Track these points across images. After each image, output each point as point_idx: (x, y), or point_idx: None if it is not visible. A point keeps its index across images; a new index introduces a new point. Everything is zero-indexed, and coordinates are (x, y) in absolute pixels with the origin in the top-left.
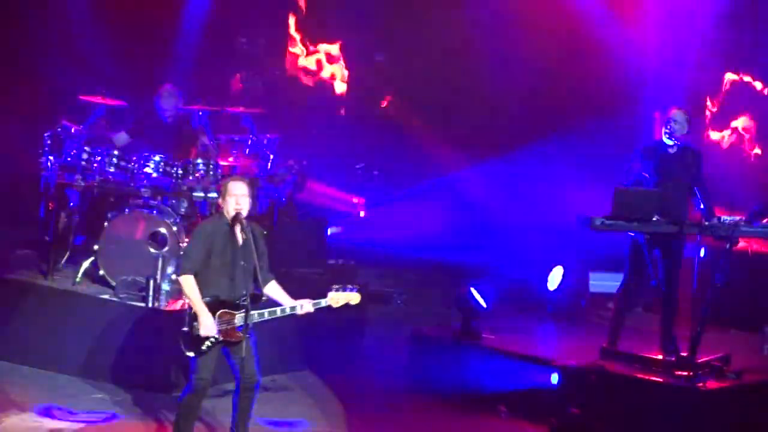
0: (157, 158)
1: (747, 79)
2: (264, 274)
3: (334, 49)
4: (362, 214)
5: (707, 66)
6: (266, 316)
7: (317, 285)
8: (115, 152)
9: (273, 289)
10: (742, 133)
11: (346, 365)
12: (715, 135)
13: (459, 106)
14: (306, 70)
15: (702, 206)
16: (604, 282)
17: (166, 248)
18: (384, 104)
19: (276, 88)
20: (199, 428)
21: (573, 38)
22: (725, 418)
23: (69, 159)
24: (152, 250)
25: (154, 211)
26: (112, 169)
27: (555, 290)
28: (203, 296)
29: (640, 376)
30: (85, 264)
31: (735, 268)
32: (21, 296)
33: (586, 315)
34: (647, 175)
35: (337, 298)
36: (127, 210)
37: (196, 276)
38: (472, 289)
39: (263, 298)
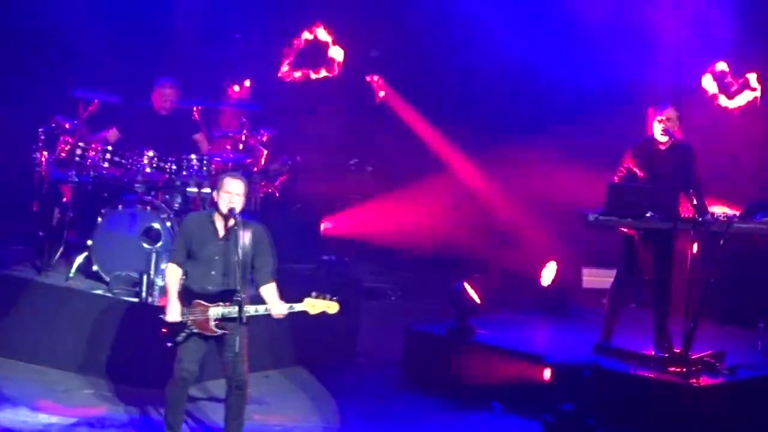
0: (150, 153)
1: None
2: (261, 274)
3: (337, 52)
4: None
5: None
6: (228, 314)
7: (310, 281)
8: (109, 148)
9: (267, 291)
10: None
11: (340, 361)
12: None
13: (452, 101)
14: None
15: (694, 202)
16: (597, 278)
17: (160, 244)
18: (380, 95)
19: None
20: (192, 427)
21: (567, 32)
22: (719, 415)
23: (63, 155)
24: (146, 245)
25: (148, 207)
26: (105, 165)
27: (548, 286)
28: (184, 287)
29: (633, 372)
30: (79, 259)
31: (729, 264)
32: (15, 292)
33: (580, 311)
34: (639, 172)
35: (314, 304)
36: (120, 205)
37: (183, 267)
38: (466, 285)
39: (243, 295)
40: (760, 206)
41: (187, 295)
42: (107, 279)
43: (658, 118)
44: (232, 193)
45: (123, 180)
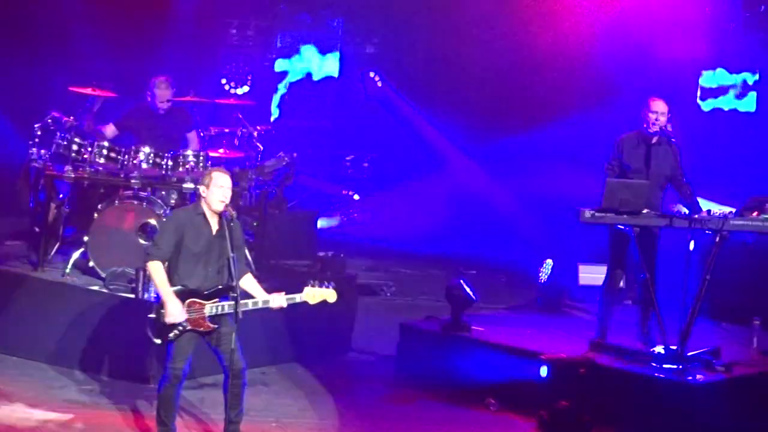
0: (146, 149)
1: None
2: (240, 266)
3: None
4: (356, 197)
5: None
6: (224, 310)
7: (306, 277)
8: (105, 143)
9: (247, 283)
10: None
11: (336, 357)
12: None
13: (449, 98)
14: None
15: (685, 199)
16: (593, 274)
17: None
18: (377, 81)
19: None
20: (188, 421)
21: (562, 28)
22: (715, 411)
23: (59, 150)
24: (142, 241)
25: (144, 203)
26: (102, 161)
27: (544, 283)
28: (173, 285)
29: (629, 369)
30: (75, 255)
31: (725, 261)
32: (10, 287)
33: (576, 308)
34: (629, 166)
35: (313, 293)
36: (116, 201)
37: (169, 264)
38: (462, 282)
39: (238, 290)
40: (761, 201)
41: (181, 294)
42: (103, 275)
43: (647, 111)
44: (224, 187)
45: (119, 176)
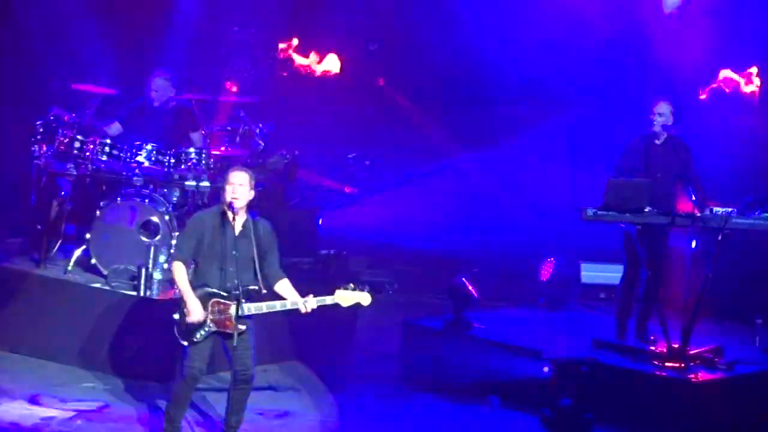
0: (149, 147)
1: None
2: (272, 271)
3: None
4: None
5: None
6: (264, 310)
7: (308, 274)
8: (107, 141)
9: (282, 287)
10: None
11: (337, 355)
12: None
13: (452, 96)
14: (299, 61)
15: (693, 197)
16: (595, 273)
17: (158, 237)
18: (381, 83)
19: (267, 76)
20: (190, 419)
21: (566, 25)
22: (717, 410)
23: (61, 147)
24: (144, 238)
25: (146, 200)
26: (104, 158)
27: (547, 281)
28: (195, 285)
29: (631, 367)
30: (77, 253)
31: (727, 259)
32: (13, 285)
33: (578, 306)
34: (637, 167)
35: (346, 296)
36: (119, 199)
37: (195, 265)
38: (464, 280)
39: (262, 292)
40: (763, 199)
41: (204, 295)
42: (105, 272)
43: (653, 113)
44: (234, 184)
45: (121, 173)
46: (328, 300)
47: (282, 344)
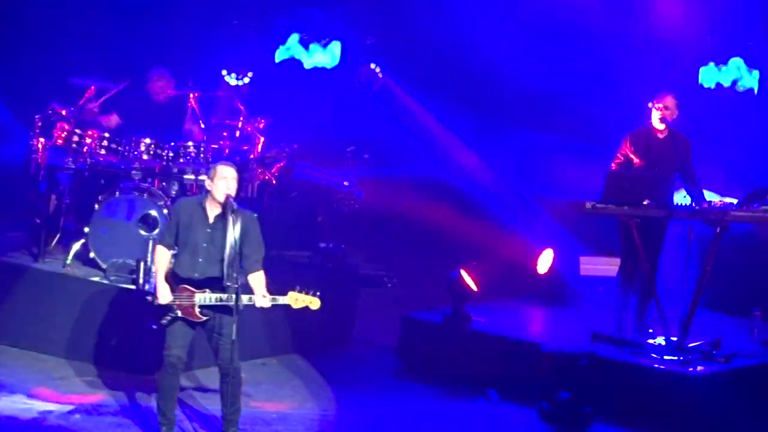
0: (147, 141)
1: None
2: (248, 262)
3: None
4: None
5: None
6: (212, 301)
7: (307, 268)
8: (106, 135)
9: (254, 280)
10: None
11: (337, 349)
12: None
13: (450, 89)
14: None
15: (692, 190)
16: (594, 266)
17: (157, 231)
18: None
19: (266, 70)
20: (189, 414)
21: (567, 20)
22: (715, 403)
23: (60, 141)
24: (143, 232)
25: (145, 194)
26: (102, 152)
27: (545, 274)
28: (171, 270)
29: (630, 360)
30: (76, 246)
31: (725, 252)
32: (11, 279)
33: (577, 299)
34: (636, 160)
35: (296, 298)
36: (117, 192)
37: (171, 249)
38: (463, 273)
39: (228, 283)
40: (763, 191)
41: (174, 280)
42: (104, 266)
43: (657, 106)
44: (228, 178)
45: (120, 167)
46: (280, 300)
47: (281, 338)
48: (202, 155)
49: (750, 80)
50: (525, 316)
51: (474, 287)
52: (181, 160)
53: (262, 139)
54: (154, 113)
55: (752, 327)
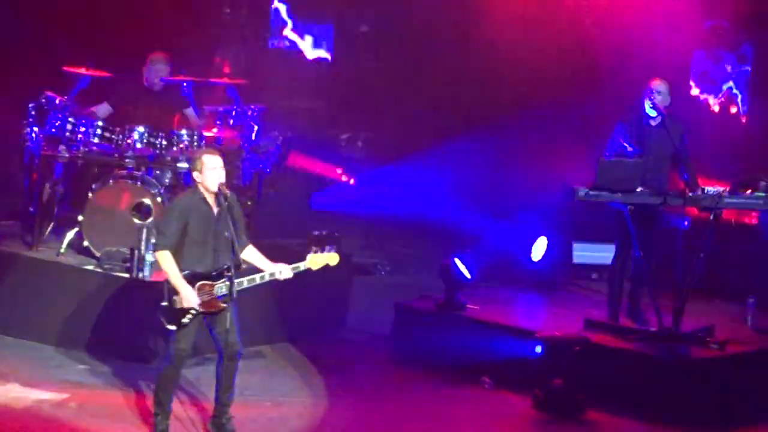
0: (141, 129)
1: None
2: (240, 239)
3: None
4: (352, 181)
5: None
6: (245, 285)
7: (301, 256)
8: (99, 123)
9: (250, 254)
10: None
11: (330, 336)
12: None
13: (444, 75)
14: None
15: (686, 177)
16: (587, 253)
17: (151, 219)
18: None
19: (259, 58)
20: (182, 399)
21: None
22: (708, 390)
23: (53, 130)
24: (136, 221)
25: (139, 182)
26: (96, 140)
27: (539, 261)
28: (182, 270)
29: (623, 347)
30: (70, 235)
31: (719, 239)
32: (5, 267)
33: (570, 286)
34: (629, 147)
35: (316, 259)
36: (111, 181)
37: (176, 250)
38: (457, 260)
39: (242, 266)
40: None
41: (190, 279)
42: (98, 254)
43: (647, 91)
44: (217, 168)
45: (113, 155)
46: (302, 266)
47: (274, 326)
48: (195, 143)
49: None
50: (518, 303)
51: (467, 274)
52: (175, 149)
53: (255, 127)
54: (149, 99)
55: (746, 314)
